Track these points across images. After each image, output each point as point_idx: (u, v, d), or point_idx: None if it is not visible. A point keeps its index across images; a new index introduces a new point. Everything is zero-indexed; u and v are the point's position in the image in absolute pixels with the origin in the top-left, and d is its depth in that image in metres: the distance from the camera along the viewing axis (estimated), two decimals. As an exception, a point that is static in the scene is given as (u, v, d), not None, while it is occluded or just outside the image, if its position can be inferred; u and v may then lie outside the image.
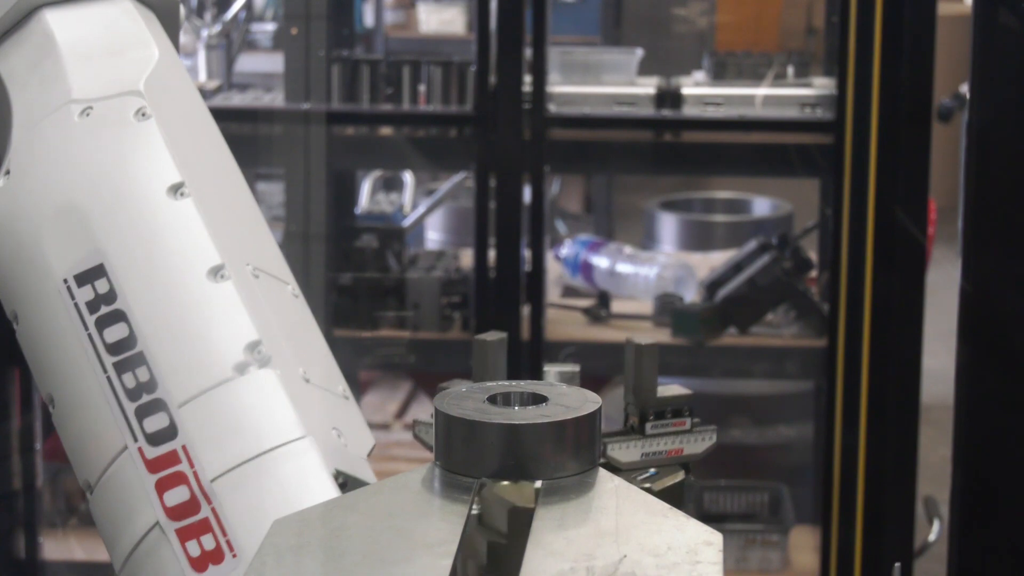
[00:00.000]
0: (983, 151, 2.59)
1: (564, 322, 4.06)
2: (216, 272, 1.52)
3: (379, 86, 3.87)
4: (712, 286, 3.95)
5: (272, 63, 5.85)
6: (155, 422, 1.48)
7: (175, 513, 1.45)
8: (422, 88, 3.87)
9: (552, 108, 3.82)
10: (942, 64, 3.55)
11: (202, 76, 4.65)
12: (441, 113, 3.86)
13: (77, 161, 1.57)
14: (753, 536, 4.02)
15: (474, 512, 1.31)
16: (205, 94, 3.99)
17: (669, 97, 3.86)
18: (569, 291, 4.65)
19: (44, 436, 4.05)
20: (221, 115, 3.96)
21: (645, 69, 4.07)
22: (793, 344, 3.91)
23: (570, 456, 1.35)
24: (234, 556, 1.43)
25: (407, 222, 5.45)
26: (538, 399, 1.39)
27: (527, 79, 3.75)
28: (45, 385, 1.56)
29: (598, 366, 4.12)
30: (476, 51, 3.75)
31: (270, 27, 6.87)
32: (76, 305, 1.52)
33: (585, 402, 1.38)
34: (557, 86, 3.87)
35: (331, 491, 1.46)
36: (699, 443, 1.68)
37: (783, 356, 3.94)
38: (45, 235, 1.55)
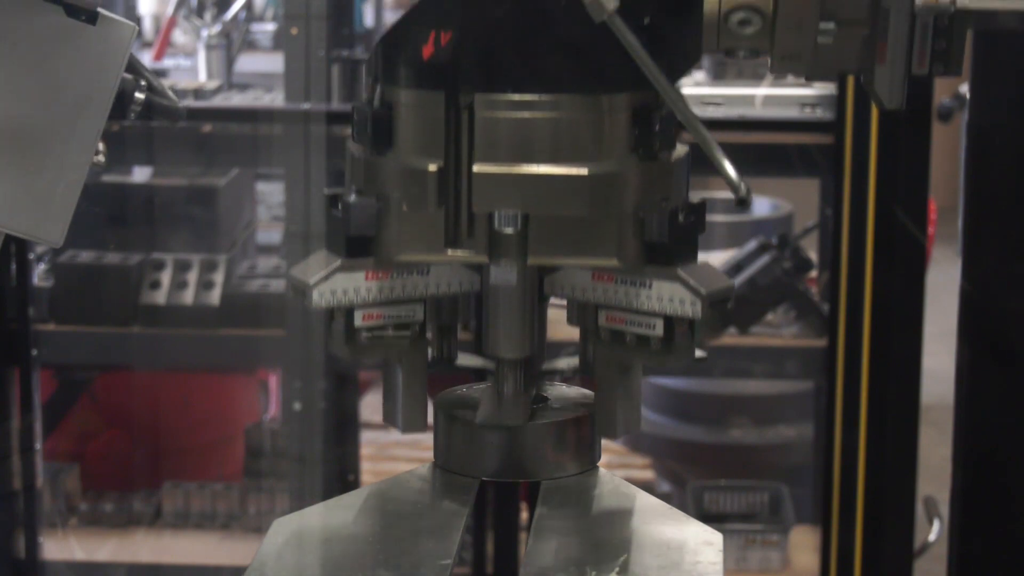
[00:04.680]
0: (983, 151, 2.59)
1: (564, 322, 4.05)
2: None
3: (379, 86, 3.86)
4: (712, 286, 3.95)
5: (272, 63, 5.85)
6: None
7: None
8: (422, 88, 3.86)
9: (552, 108, 3.81)
10: (942, 64, 3.54)
11: (202, 76, 4.65)
12: (441, 113, 3.85)
13: None
14: (753, 536, 4.02)
15: None
16: (205, 94, 3.98)
17: (669, 97, 3.86)
18: (569, 291, 4.64)
19: (44, 436, 4.05)
20: (221, 115, 3.98)
21: (645, 69, 4.05)
22: (793, 344, 3.90)
23: (570, 456, 1.35)
24: None
25: (407, 222, 5.44)
26: (538, 399, 1.39)
27: (527, 79, 3.75)
28: None
29: (598, 366, 4.12)
30: (476, 51, 3.74)
31: (270, 27, 6.86)
32: None
33: (585, 402, 1.38)
34: (557, 86, 3.86)
35: None
36: None
37: (783, 356, 3.93)
38: None
